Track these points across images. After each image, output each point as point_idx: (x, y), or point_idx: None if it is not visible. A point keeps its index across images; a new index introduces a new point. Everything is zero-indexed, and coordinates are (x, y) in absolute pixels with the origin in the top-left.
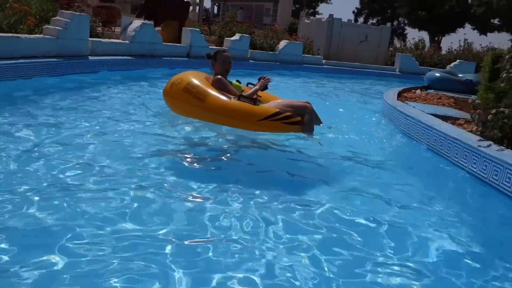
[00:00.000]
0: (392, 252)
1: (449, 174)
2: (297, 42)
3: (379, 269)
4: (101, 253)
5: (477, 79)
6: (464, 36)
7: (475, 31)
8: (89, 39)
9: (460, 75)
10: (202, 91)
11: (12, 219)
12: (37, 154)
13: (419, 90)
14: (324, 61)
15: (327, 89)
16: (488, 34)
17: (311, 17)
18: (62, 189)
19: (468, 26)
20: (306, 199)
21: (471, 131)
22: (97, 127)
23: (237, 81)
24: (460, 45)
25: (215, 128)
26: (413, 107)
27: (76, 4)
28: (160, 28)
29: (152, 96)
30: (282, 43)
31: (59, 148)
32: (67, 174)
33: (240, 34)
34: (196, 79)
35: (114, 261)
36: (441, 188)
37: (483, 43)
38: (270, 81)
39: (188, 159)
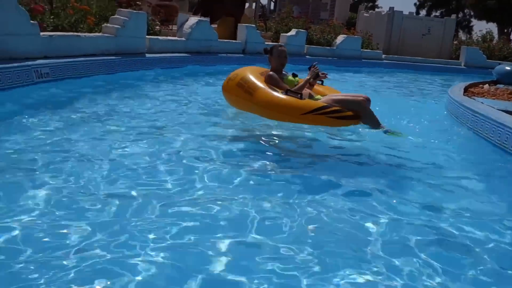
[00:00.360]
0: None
1: None
2: (355, 36)
3: None
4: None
5: None
6: None
7: None
8: (146, 37)
9: None
10: (253, 85)
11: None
12: (120, 148)
13: (487, 85)
14: (384, 55)
15: (387, 84)
16: None
17: (370, 11)
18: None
19: None
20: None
21: None
22: (160, 121)
23: (293, 74)
24: None
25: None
26: (482, 102)
27: (136, 2)
28: (216, 25)
29: (206, 91)
30: (340, 38)
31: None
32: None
33: (296, 30)
34: (250, 74)
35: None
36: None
37: None
38: (318, 70)
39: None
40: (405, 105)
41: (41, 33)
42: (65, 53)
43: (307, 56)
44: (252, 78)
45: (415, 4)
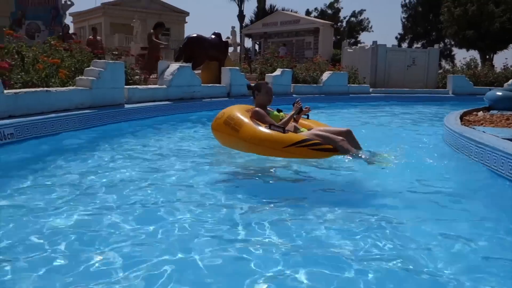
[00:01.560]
0: None
1: None
2: (341, 72)
3: None
4: None
5: None
6: None
7: None
8: (125, 87)
9: None
10: (239, 122)
11: None
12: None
13: (481, 112)
14: (371, 89)
15: (376, 118)
16: None
17: (354, 46)
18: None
19: None
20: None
21: None
22: (141, 172)
23: (278, 110)
24: None
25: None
26: (483, 132)
27: (113, 53)
28: (199, 71)
29: (191, 137)
30: (326, 75)
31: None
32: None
33: (282, 69)
34: (237, 111)
35: None
36: None
37: None
38: (301, 105)
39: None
40: (398, 138)
41: (5, 91)
42: (34, 111)
43: (294, 95)
44: (238, 115)
45: (396, 37)
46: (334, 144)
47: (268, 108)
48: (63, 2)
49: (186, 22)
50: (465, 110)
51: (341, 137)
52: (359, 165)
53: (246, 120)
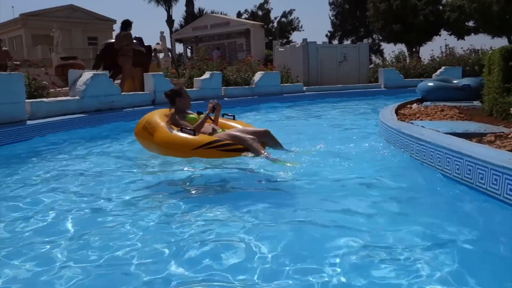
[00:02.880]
0: None
1: (500, 217)
2: (274, 72)
3: None
4: None
5: (475, 83)
6: (445, 41)
7: (452, 36)
8: (27, 101)
9: (455, 81)
10: (154, 126)
11: None
12: None
13: (415, 104)
14: (305, 88)
15: (310, 116)
16: (466, 37)
17: (285, 45)
18: None
19: (444, 32)
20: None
21: None
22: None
23: (198, 112)
24: (442, 52)
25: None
26: (422, 126)
27: (15, 63)
28: (119, 80)
29: (104, 153)
30: (258, 75)
31: None
32: None
33: (211, 72)
34: (155, 116)
35: None
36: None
37: (462, 47)
38: (214, 103)
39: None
40: (333, 134)
41: None
42: None
43: (225, 99)
44: (156, 119)
45: (326, 35)
46: (244, 144)
47: (188, 112)
48: None
49: (114, 30)
50: (399, 103)
51: (251, 137)
52: (266, 164)
53: (161, 124)
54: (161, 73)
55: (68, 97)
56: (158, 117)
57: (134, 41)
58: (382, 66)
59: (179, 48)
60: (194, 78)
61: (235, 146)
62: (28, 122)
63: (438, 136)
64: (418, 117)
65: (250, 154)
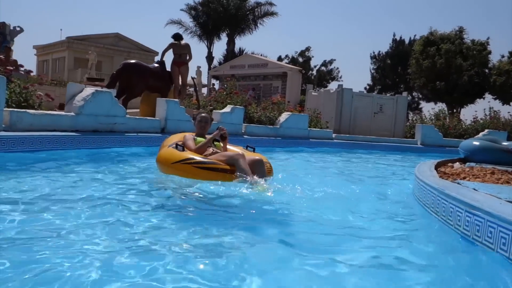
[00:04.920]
0: None
1: None
2: (302, 114)
3: None
4: None
5: None
6: (489, 103)
7: (497, 101)
8: (6, 109)
9: (505, 143)
10: (162, 145)
11: None
12: None
13: (457, 163)
14: (334, 135)
15: (337, 165)
16: (511, 103)
17: (319, 90)
18: None
19: (488, 96)
20: None
21: None
22: None
23: (215, 140)
24: (485, 114)
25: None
26: (474, 189)
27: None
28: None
29: (95, 179)
30: (284, 116)
31: None
32: None
33: (232, 106)
34: (173, 137)
35: None
36: None
37: (509, 111)
38: (224, 130)
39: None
40: (360, 189)
41: None
42: None
43: (245, 136)
44: (170, 139)
45: (365, 88)
46: (233, 162)
47: (206, 136)
48: (11, 28)
49: (155, 62)
50: (438, 160)
51: (242, 159)
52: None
53: (169, 143)
54: (177, 100)
55: (61, 112)
56: (174, 138)
57: (156, 65)
58: (420, 122)
59: (216, 85)
60: (214, 111)
61: (219, 166)
62: (1, 133)
63: (501, 206)
64: (464, 178)
65: (234, 177)
